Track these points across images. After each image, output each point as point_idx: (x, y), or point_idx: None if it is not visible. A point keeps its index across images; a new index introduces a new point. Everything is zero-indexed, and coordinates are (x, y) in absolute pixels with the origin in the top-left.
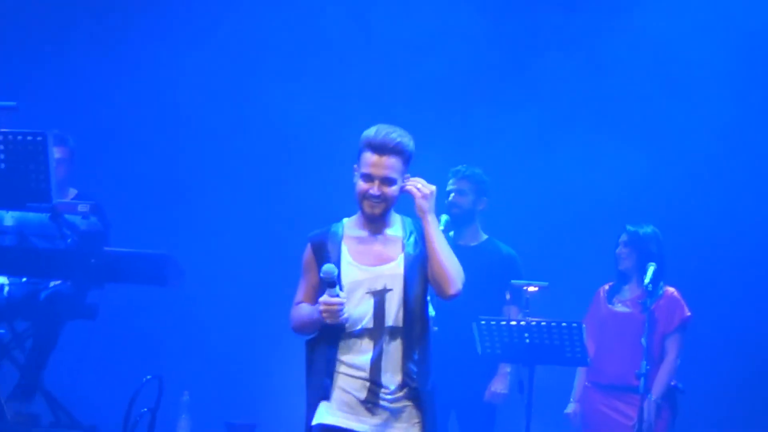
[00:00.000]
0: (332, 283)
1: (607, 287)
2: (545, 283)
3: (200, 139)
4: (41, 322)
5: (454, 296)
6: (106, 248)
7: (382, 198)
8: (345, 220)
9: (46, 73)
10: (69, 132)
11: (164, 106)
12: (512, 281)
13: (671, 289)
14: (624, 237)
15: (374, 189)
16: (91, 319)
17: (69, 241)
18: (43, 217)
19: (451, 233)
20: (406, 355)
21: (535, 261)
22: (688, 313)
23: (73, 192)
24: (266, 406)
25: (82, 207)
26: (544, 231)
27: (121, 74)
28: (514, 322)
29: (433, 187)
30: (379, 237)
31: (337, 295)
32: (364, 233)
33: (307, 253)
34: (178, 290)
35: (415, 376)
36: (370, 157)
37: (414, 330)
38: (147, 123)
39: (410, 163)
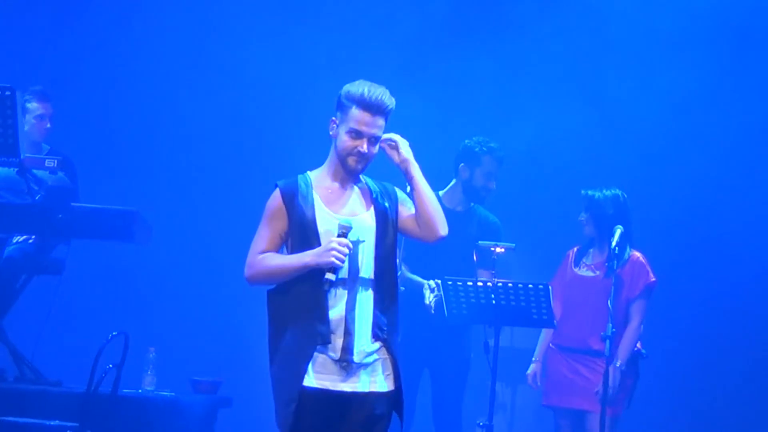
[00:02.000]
0: (344, 236)
1: (576, 249)
2: (512, 245)
3: (169, 96)
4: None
5: (443, 238)
6: (74, 204)
7: (369, 156)
8: (309, 172)
9: (12, 29)
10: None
11: (135, 60)
12: (479, 242)
13: (637, 254)
14: (583, 203)
15: (363, 147)
16: (58, 274)
17: (37, 196)
18: (11, 171)
19: (441, 193)
20: (377, 306)
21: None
22: (653, 279)
23: (46, 148)
24: (232, 363)
25: (50, 162)
26: (514, 193)
27: (92, 29)
28: (480, 283)
29: (406, 141)
30: (349, 190)
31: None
32: (335, 185)
33: (276, 200)
34: (145, 246)
35: (385, 327)
36: (361, 114)
37: (384, 282)
38: (118, 79)
39: None
